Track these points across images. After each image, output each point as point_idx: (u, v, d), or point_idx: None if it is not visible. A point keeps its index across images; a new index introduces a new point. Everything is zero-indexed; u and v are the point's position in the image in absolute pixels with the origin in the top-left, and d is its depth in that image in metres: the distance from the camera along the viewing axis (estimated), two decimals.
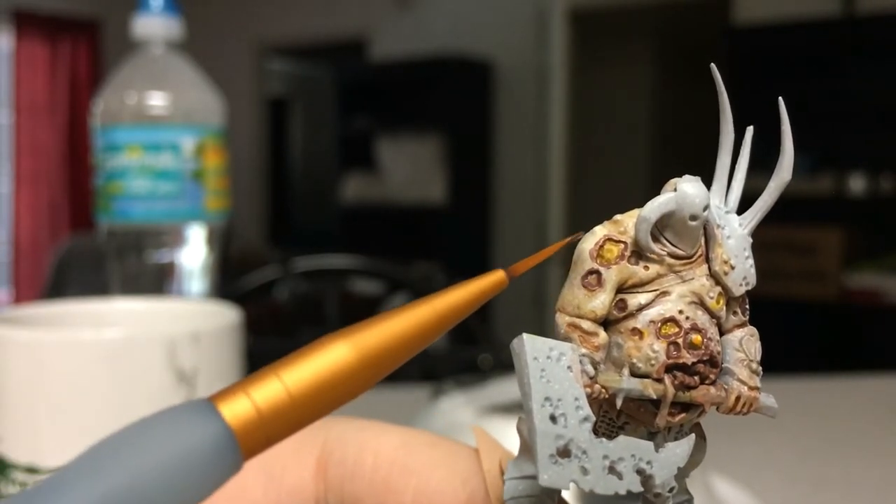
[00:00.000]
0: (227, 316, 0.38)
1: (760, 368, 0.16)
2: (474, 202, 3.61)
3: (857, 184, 2.69)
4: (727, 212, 0.16)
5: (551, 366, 0.15)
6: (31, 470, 0.33)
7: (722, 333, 0.16)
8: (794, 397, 0.83)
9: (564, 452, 0.15)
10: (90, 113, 0.56)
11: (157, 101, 0.54)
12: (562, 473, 0.15)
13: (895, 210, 2.68)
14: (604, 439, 0.15)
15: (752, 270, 0.16)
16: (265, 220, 4.47)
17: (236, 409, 0.13)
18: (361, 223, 3.69)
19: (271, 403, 0.13)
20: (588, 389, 0.15)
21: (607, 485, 0.15)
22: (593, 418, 0.15)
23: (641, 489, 0.15)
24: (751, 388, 0.16)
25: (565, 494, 0.17)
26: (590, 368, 0.15)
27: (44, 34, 4.14)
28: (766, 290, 2.76)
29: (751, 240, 0.16)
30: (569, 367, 0.15)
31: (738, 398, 0.16)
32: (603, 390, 0.15)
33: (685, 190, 0.15)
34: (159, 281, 0.55)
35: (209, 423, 0.13)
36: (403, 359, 0.15)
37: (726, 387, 0.16)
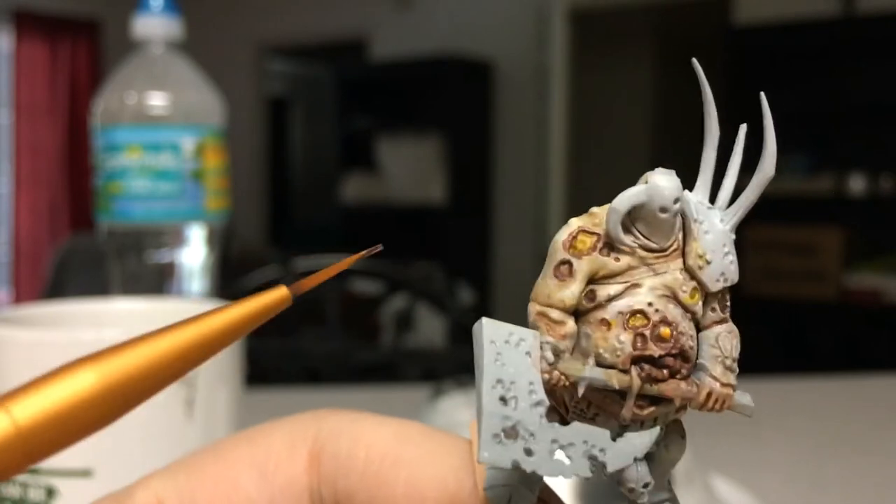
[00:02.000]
0: None
1: (736, 366, 0.16)
2: (474, 202, 3.61)
3: (857, 184, 2.69)
4: (709, 208, 0.16)
5: (508, 350, 0.15)
6: (31, 470, 0.33)
7: (700, 330, 0.16)
8: (794, 397, 0.83)
9: (511, 433, 0.15)
10: (90, 113, 0.56)
11: (157, 101, 0.54)
12: (503, 453, 0.15)
13: (895, 210, 2.68)
14: (556, 424, 0.15)
15: (733, 267, 0.16)
16: (265, 220, 4.47)
17: None
18: (361, 223, 3.69)
19: None
20: (546, 375, 0.15)
21: (552, 468, 0.15)
22: (547, 403, 0.15)
23: (590, 474, 0.15)
24: (724, 385, 0.16)
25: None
26: (549, 355, 0.15)
27: (44, 34, 4.14)
28: (766, 290, 2.76)
29: (733, 236, 0.16)
30: (527, 353, 0.15)
31: (709, 394, 0.16)
32: (562, 377, 0.15)
33: (656, 182, 0.15)
34: (159, 281, 0.55)
35: None
36: (161, 385, 0.13)
37: (698, 382, 0.16)
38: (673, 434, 0.16)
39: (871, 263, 2.69)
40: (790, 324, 2.75)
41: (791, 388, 0.89)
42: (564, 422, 0.16)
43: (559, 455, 0.15)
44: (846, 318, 2.67)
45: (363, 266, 1.34)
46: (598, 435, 0.15)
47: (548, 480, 0.17)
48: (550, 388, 0.15)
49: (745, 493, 0.52)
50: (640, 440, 0.16)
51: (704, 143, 0.16)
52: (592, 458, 0.15)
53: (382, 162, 3.69)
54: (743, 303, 2.79)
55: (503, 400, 0.15)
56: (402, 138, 3.61)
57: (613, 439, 0.15)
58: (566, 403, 0.16)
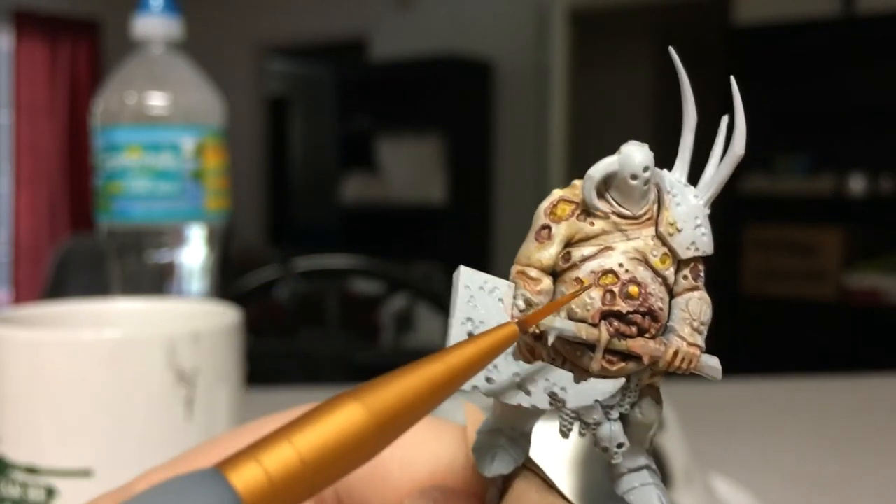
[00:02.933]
0: (227, 316, 0.38)
1: (704, 329, 0.17)
2: (474, 202, 3.61)
3: (856, 184, 2.69)
4: (685, 185, 0.17)
5: (482, 295, 0.16)
6: (31, 470, 0.33)
7: (674, 297, 0.17)
8: (794, 397, 0.83)
9: None
10: (90, 113, 0.56)
11: (157, 101, 0.54)
12: None
13: (895, 210, 2.68)
14: (521, 361, 0.16)
15: (705, 239, 0.17)
16: (265, 220, 4.47)
17: (246, 477, 0.13)
18: (361, 223, 3.69)
19: (282, 469, 0.13)
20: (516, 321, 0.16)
21: (511, 396, 0.16)
22: (514, 343, 0.16)
23: (549, 407, 0.16)
24: (690, 345, 0.17)
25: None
26: (521, 303, 0.16)
27: (44, 34, 4.14)
28: (766, 290, 2.76)
29: (707, 210, 0.17)
30: (500, 300, 0.16)
31: (676, 353, 0.16)
32: (533, 326, 0.16)
33: (627, 151, 0.17)
34: (159, 281, 0.55)
35: (218, 493, 0.13)
36: (417, 418, 0.14)
37: (666, 342, 0.17)
38: (647, 398, 0.17)
39: (871, 263, 2.68)
40: (790, 324, 2.75)
41: (791, 388, 0.89)
42: None
43: (520, 387, 0.16)
44: (846, 318, 2.67)
45: (363, 266, 1.34)
46: (561, 375, 0.16)
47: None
48: (530, 344, 0.17)
49: (745, 493, 0.52)
50: (604, 386, 0.16)
51: (683, 126, 0.18)
52: (553, 395, 0.16)
53: (382, 162, 3.69)
54: (743, 303, 2.79)
55: (471, 335, 0.16)
56: (402, 138, 3.61)
57: (577, 382, 0.16)
58: (544, 360, 0.17)
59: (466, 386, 0.16)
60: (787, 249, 2.73)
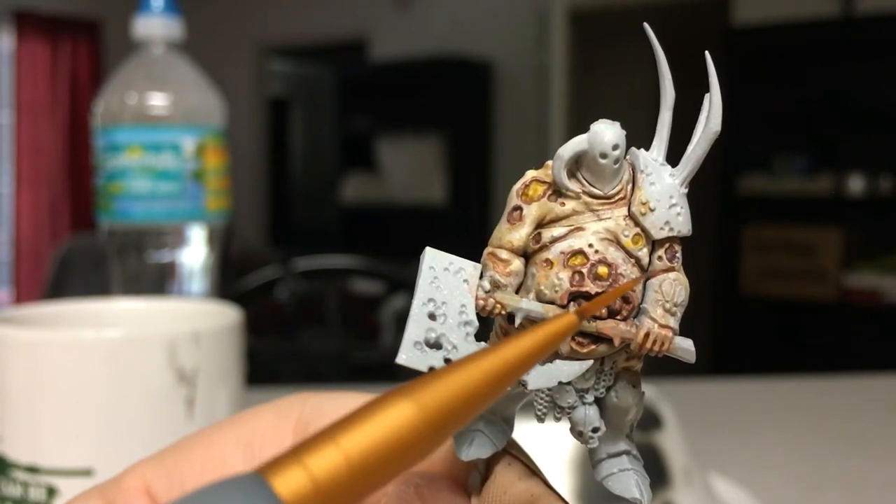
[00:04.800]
0: (227, 316, 0.38)
1: (678, 311, 0.16)
2: (474, 202, 3.61)
3: (855, 184, 2.69)
4: (662, 164, 0.17)
5: (447, 276, 0.16)
6: (32, 469, 0.33)
7: (649, 278, 0.17)
8: (795, 397, 0.83)
9: (434, 344, 0.16)
10: (91, 113, 0.57)
11: (157, 101, 0.55)
12: (421, 359, 0.16)
13: (894, 210, 2.68)
14: (483, 343, 0.16)
15: (680, 219, 0.16)
16: (265, 220, 4.47)
17: (290, 482, 0.12)
18: (361, 223, 3.69)
19: (329, 473, 0.12)
20: (481, 302, 0.16)
21: None
22: (476, 325, 0.16)
23: (509, 388, 0.16)
24: (662, 326, 0.16)
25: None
26: (486, 284, 0.16)
27: (44, 34, 4.14)
28: (765, 290, 2.76)
29: (684, 190, 0.17)
30: (465, 281, 0.16)
31: (647, 334, 0.16)
32: (498, 305, 0.16)
33: (597, 129, 0.16)
34: (160, 281, 0.55)
35: (261, 499, 0.12)
36: (473, 415, 0.14)
37: (637, 324, 0.16)
38: (623, 381, 0.17)
39: (871, 263, 2.69)
40: (790, 324, 2.75)
41: (791, 388, 0.89)
42: None
43: None
44: (845, 317, 2.67)
45: (363, 266, 1.34)
46: None
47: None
48: (504, 329, 0.16)
49: (744, 492, 0.53)
50: (569, 367, 0.16)
51: (661, 106, 0.17)
52: None
53: (382, 162, 3.69)
54: (742, 303, 2.79)
55: (432, 316, 0.16)
56: (402, 138, 3.61)
57: (541, 363, 0.16)
58: None
59: (423, 367, 0.15)
60: (787, 249, 2.73)
